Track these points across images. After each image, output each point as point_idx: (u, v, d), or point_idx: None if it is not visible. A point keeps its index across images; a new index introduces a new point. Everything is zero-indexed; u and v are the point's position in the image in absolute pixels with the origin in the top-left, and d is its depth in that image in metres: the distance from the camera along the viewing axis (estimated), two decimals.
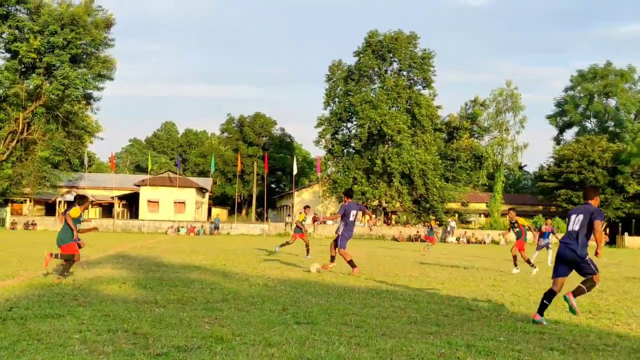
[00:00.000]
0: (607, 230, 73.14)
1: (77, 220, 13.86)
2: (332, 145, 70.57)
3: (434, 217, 63.42)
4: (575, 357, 7.33)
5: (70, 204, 14.71)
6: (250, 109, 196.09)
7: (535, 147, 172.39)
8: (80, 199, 14.28)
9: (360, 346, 7.43)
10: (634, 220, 71.44)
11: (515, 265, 21.25)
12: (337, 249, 17.21)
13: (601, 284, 17.13)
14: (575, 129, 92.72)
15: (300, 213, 25.71)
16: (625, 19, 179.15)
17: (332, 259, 17.84)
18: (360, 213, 17.75)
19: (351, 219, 17.02)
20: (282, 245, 26.01)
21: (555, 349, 7.79)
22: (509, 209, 22.33)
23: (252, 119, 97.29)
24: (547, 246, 26.64)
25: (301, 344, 7.39)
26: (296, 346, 7.27)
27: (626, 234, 66.39)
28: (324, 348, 7.19)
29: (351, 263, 16.91)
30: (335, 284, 14.64)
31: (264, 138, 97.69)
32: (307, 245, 25.39)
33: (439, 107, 73.29)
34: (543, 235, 26.62)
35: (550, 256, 25.87)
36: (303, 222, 25.45)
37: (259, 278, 15.33)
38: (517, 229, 21.35)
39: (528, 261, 21.48)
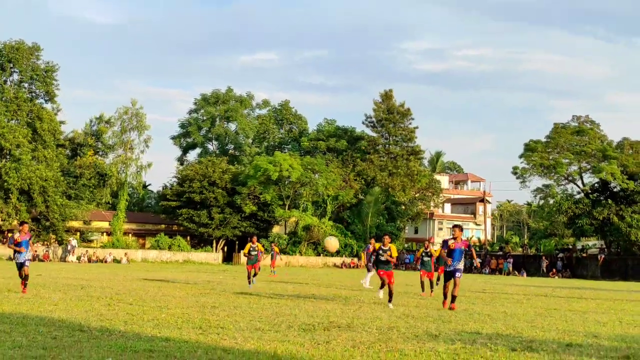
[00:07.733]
0: (225, 248, 76.77)
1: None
2: None
3: (274, 241, 63.41)
4: None
5: None
6: None
7: (159, 167, 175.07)
8: None
9: None
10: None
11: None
12: None
13: (214, 300, 17.93)
14: (198, 150, 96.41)
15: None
16: (246, 49, 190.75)
17: None
18: None
19: None
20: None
21: None
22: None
23: None
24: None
25: None
26: None
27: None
28: None
29: None
30: None
31: None
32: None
33: (62, 122, 71.21)
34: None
35: None
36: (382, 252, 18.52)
37: None
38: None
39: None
